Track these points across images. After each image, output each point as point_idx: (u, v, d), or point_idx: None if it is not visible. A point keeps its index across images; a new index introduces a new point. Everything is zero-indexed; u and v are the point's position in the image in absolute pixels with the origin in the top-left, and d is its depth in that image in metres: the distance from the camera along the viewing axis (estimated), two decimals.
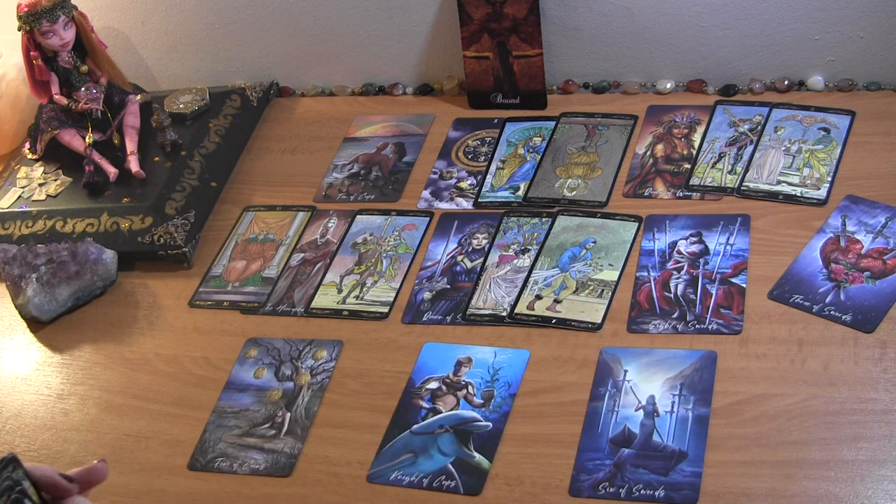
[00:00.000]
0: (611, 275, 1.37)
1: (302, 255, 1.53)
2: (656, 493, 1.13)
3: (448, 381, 1.30)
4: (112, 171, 1.63)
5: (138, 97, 1.71)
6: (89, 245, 1.52)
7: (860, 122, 1.50)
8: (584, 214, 1.47)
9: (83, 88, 1.66)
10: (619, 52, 1.65)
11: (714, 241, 1.38)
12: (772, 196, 1.43)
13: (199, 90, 1.76)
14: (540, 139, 1.61)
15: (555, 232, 1.45)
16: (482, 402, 1.26)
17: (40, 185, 1.68)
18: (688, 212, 1.44)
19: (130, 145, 1.66)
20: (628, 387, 1.24)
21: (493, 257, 1.44)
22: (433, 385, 1.30)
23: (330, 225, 1.56)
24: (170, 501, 1.25)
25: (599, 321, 1.32)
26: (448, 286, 1.42)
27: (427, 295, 1.42)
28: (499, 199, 1.53)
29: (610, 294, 1.35)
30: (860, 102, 1.53)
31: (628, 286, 1.36)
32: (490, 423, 1.24)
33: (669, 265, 1.37)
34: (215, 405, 1.34)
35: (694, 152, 1.52)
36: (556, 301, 1.36)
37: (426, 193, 1.57)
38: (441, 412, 1.26)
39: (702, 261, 1.36)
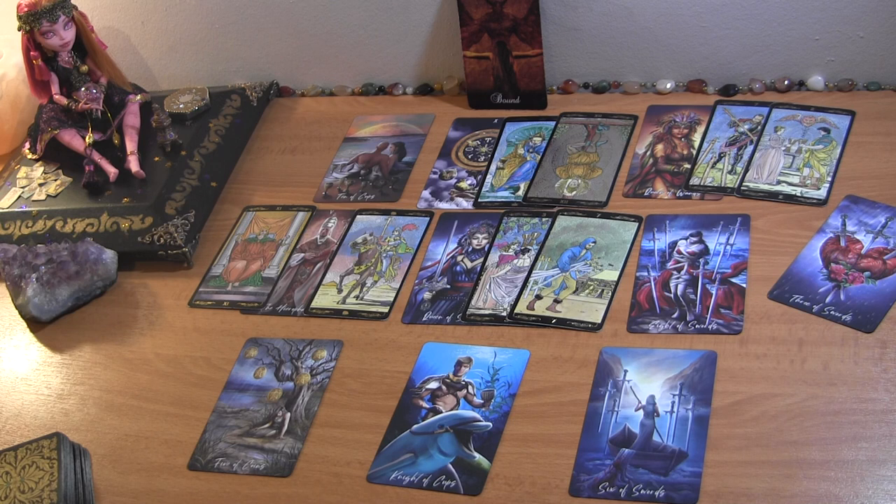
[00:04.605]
0: (611, 275, 1.37)
1: (302, 255, 1.53)
2: (656, 493, 1.13)
3: (448, 381, 1.30)
4: (112, 171, 1.63)
5: (138, 97, 1.72)
6: (89, 245, 1.52)
7: (860, 122, 1.50)
8: (584, 214, 1.47)
9: (83, 88, 1.66)
10: (619, 52, 1.65)
11: (714, 241, 1.38)
12: (772, 196, 1.43)
13: (199, 90, 1.76)
14: (540, 139, 1.61)
15: (555, 232, 1.45)
16: (482, 402, 1.26)
17: (40, 185, 1.68)
18: (688, 212, 1.44)
19: (130, 145, 1.66)
20: (628, 387, 1.24)
21: (493, 257, 1.44)
22: (433, 385, 1.30)
23: (330, 225, 1.56)
24: (170, 501, 1.25)
25: (599, 321, 1.32)
26: (448, 286, 1.42)
27: (427, 295, 1.42)
28: (499, 199, 1.53)
29: (610, 294, 1.35)
30: (860, 102, 1.53)
31: (628, 286, 1.36)
32: (490, 423, 1.24)
33: (669, 265, 1.37)
34: (215, 405, 1.34)
35: (694, 152, 1.52)
36: (556, 301, 1.36)
37: (426, 193, 1.57)
38: (441, 412, 1.26)
39: (702, 261, 1.36)
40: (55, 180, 1.68)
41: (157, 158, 1.66)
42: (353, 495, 1.21)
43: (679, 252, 1.38)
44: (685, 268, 1.36)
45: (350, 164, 1.66)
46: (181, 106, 1.73)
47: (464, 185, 1.57)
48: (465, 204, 1.54)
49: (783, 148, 1.49)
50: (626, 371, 1.25)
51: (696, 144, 1.53)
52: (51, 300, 1.49)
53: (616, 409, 1.22)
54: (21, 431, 1.37)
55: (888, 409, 1.16)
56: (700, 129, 1.55)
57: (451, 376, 1.30)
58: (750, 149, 1.50)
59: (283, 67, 1.83)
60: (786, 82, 1.58)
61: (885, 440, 1.13)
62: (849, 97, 1.55)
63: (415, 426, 1.26)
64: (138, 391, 1.39)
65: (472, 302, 1.39)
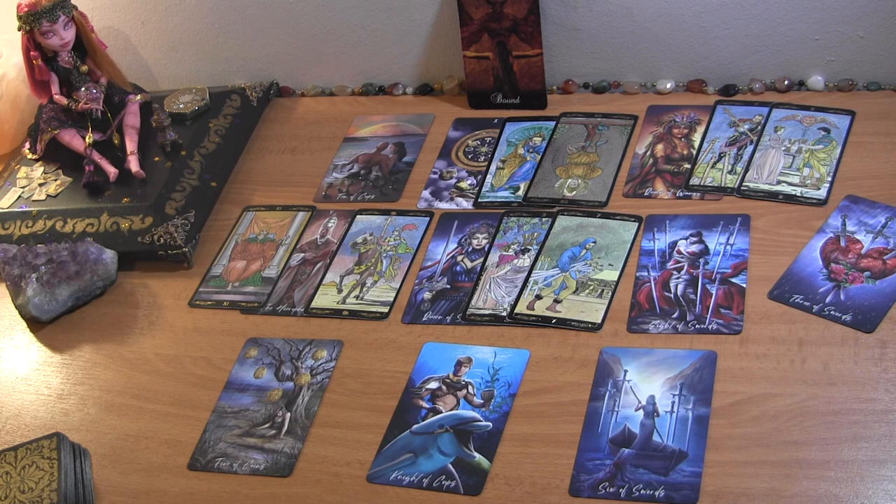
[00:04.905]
0: (611, 275, 1.37)
1: (302, 255, 1.53)
2: (656, 493, 1.13)
3: (448, 381, 1.30)
4: (112, 171, 1.63)
5: (138, 97, 1.72)
6: (89, 245, 1.52)
7: (860, 122, 1.50)
8: (584, 214, 1.47)
9: (83, 88, 1.66)
10: (619, 52, 1.65)
11: (714, 241, 1.38)
12: (772, 196, 1.43)
13: (199, 90, 1.76)
14: (540, 139, 1.61)
15: (555, 232, 1.45)
16: (482, 402, 1.26)
17: (40, 185, 1.68)
18: (688, 212, 1.44)
19: (130, 145, 1.66)
20: (628, 387, 1.24)
21: (493, 257, 1.44)
22: (433, 385, 1.30)
23: (330, 225, 1.56)
24: (170, 501, 1.25)
25: (599, 321, 1.32)
26: (448, 286, 1.42)
27: (427, 295, 1.42)
28: (499, 199, 1.53)
29: (610, 294, 1.35)
30: (860, 102, 1.53)
31: (628, 286, 1.36)
32: (490, 423, 1.24)
33: (669, 265, 1.37)
34: (215, 405, 1.34)
35: (694, 152, 1.52)
36: (556, 301, 1.36)
37: (426, 193, 1.57)
38: (441, 412, 1.26)
39: (702, 261, 1.36)
40: (55, 180, 1.68)
41: (157, 158, 1.66)
42: (353, 495, 1.21)
43: (679, 252, 1.38)
44: (685, 268, 1.36)
45: (350, 164, 1.66)
46: (181, 106, 1.73)
47: (464, 185, 1.57)
48: (465, 204, 1.54)
49: (783, 148, 1.49)
50: (626, 371, 1.25)
51: (696, 144, 1.53)
52: (51, 300, 1.49)
53: (616, 409, 1.22)
54: (21, 431, 1.37)
55: (888, 409, 1.16)
56: (700, 129, 1.55)
57: (451, 376, 1.30)
58: (750, 149, 1.50)
59: (283, 67, 1.83)
60: (786, 82, 1.58)
61: (885, 440, 1.13)
62: (849, 97, 1.55)
63: (415, 426, 1.26)
64: (138, 391, 1.39)
65: (472, 302, 1.39)
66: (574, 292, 1.36)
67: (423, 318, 1.39)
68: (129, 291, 1.54)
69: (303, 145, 1.72)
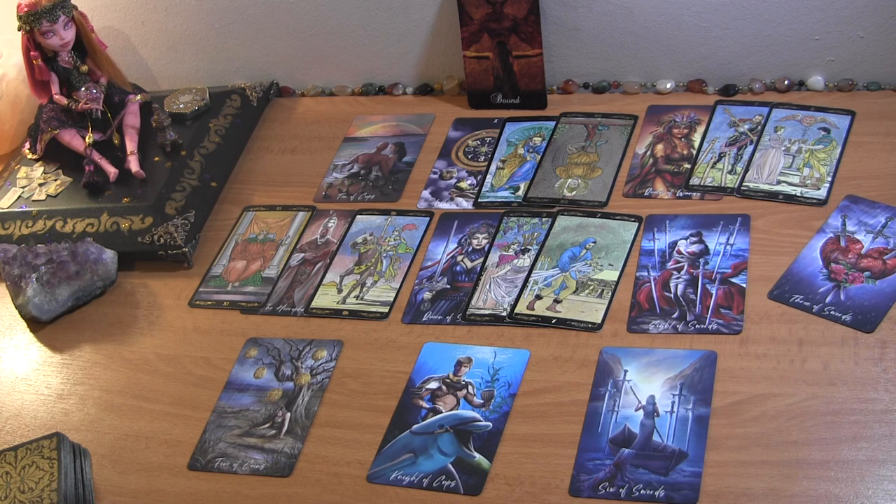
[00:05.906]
0: (611, 275, 1.37)
1: (302, 255, 1.53)
2: (656, 493, 1.13)
3: (448, 381, 1.30)
4: (112, 171, 1.63)
5: (138, 97, 1.72)
6: (89, 245, 1.52)
7: (860, 122, 1.50)
8: (584, 214, 1.47)
9: (83, 88, 1.66)
10: (619, 52, 1.65)
11: (714, 241, 1.38)
12: (772, 196, 1.43)
13: (199, 90, 1.76)
14: (540, 139, 1.61)
15: (555, 232, 1.45)
16: (482, 402, 1.26)
17: (40, 185, 1.68)
18: (688, 212, 1.44)
19: (130, 145, 1.66)
20: (628, 387, 1.24)
21: (493, 257, 1.44)
22: (433, 385, 1.30)
23: (330, 225, 1.56)
24: (170, 501, 1.25)
25: (599, 321, 1.32)
26: (448, 286, 1.42)
27: (427, 295, 1.42)
28: (499, 199, 1.53)
29: (610, 294, 1.35)
30: (860, 102, 1.53)
31: (628, 286, 1.36)
32: (490, 423, 1.24)
33: (669, 265, 1.37)
34: (215, 405, 1.34)
35: (694, 152, 1.52)
36: (556, 301, 1.36)
37: (426, 193, 1.57)
38: (441, 412, 1.26)
39: (702, 261, 1.36)
40: (55, 180, 1.68)
41: (157, 158, 1.66)
42: (353, 495, 1.21)
43: (679, 252, 1.38)
44: (685, 268, 1.36)
45: (350, 164, 1.66)
46: (181, 106, 1.73)
47: (464, 185, 1.57)
48: (465, 204, 1.54)
49: (783, 148, 1.49)
50: (626, 371, 1.25)
51: (696, 144, 1.53)
52: (51, 300, 1.49)
53: (616, 409, 1.22)
54: (21, 431, 1.37)
55: (888, 409, 1.16)
56: (700, 129, 1.55)
57: (451, 376, 1.30)
58: (750, 149, 1.50)
59: (283, 67, 1.83)
60: (786, 82, 1.58)
61: (885, 440, 1.13)
62: (849, 97, 1.55)
63: (415, 426, 1.26)
64: (138, 391, 1.39)
65: (472, 302, 1.39)
66: (574, 292, 1.36)
67: (423, 318, 1.39)
68: (129, 291, 1.54)
69: (303, 145, 1.72)
